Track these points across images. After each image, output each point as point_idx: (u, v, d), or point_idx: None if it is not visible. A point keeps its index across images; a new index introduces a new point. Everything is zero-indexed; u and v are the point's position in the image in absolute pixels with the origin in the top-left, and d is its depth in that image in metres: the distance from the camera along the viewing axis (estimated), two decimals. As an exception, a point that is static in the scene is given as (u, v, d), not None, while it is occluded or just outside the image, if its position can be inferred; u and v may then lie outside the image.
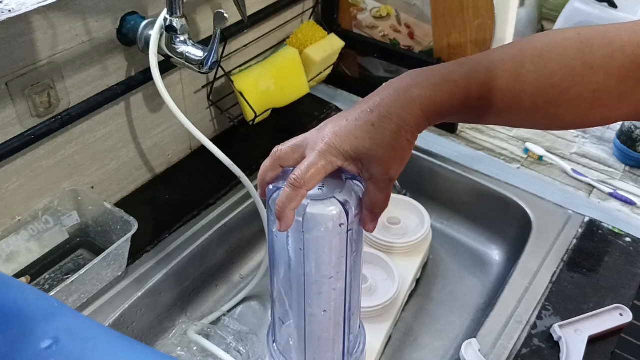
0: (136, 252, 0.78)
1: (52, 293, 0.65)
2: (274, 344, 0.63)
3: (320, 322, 0.57)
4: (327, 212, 0.50)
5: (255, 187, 0.78)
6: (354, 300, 0.58)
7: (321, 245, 0.51)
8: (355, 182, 0.52)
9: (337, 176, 0.52)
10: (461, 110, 0.48)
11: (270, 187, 0.52)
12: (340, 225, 0.51)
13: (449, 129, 1.04)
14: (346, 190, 0.51)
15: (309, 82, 1.04)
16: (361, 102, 0.50)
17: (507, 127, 1.05)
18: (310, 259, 0.52)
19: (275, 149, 0.52)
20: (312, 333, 0.58)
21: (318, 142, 0.49)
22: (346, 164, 0.49)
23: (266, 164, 0.52)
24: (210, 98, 0.94)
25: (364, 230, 0.54)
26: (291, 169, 0.51)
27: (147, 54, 0.72)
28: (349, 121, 0.48)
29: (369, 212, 0.51)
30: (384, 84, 0.50)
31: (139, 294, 0.74)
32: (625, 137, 0.99)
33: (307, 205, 0.50)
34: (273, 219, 0.51)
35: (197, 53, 0.71)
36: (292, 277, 0.55)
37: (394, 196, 0.89)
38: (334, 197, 0.50)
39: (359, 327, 0.64)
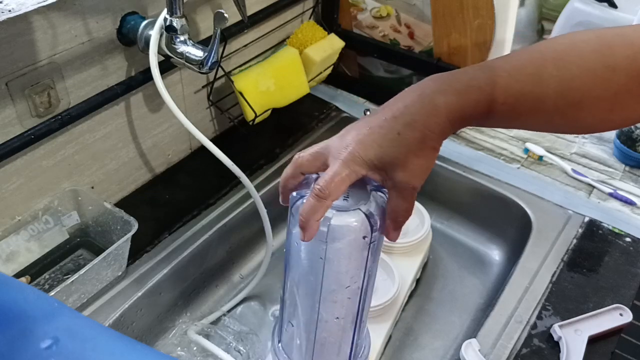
0: (136, 252, 0.78)
1: (52, 293, 0.65)
2: (279, 345, 0.63)
3: (332, 328, 0.57)
4: (352, 223, 0.49)
5: (255, 187, 0.78)
6: (366, 308, 0.58)
7: (342, 255, 0.51)
8: (379, 193, 0.51)
9: (362, 187, 0.51)
10: (485, 115, 0.47)
11: (294, 194, 0.52)
12: (363, 237, 0.50)
13: (449, 129, 1.04)
14: (371, 202, 0.50)
15: (309, 82, 1.04)
16: (383, 108, 0.49)
17: (507, 127, 1.05)
18: (330, 268, 0.52)
19: (296, 156, 0.51)
20: (321, 337, 0.58)
21: (341, 150, 0.48)
22: (370, 172, 0.48)
23: (287, 171, 0.51)
24: (210, 98, 0.94)
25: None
26: (313, 175, 0.51)
27: (147, 54, 0.72)
28: (372, 129, 0.47)
29: (392, 220, 0.50)
30: (405, 90, 0.49)
31: (139, 294, 0.74)
32: (625, 137, 0.99)
33: (332, 217, 0.49)
34: (294, 225, 0.50)
35: (197, 53, 0.71)
36: (308, 283, 0.54)
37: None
38: (359, 209, 0.50)
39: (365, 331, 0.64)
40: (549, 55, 0.46)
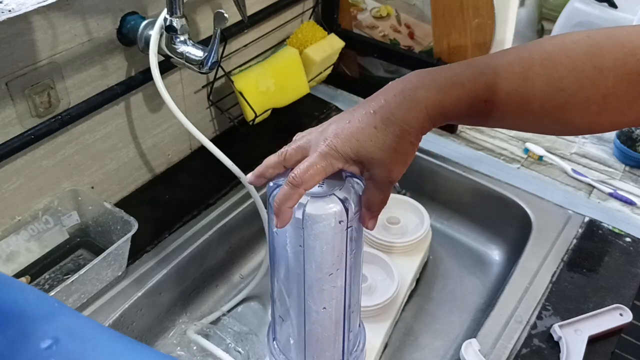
0: (136, 252, 0.78)
1: (52, 293, 0.65)
2: (274, 342, 0.63)
3: (320, 319, 0.57)
4: (327, 209, 0.50)
5: (255, 187, 0.78)
6: (353, 298, 0.58)
7: (321, 242, 0.52)
8: (355, 179, 0.52)
9: (337, 173, 0.52)
10: (467, 113, 0.47)
11: (271, 184, 0.53)
12: (339, 222, 0.51)
13: (449, 129, 1.04)
14: (346, 188, 0.51)
15: (309, 82, 1.04)
16: (365, 101, 0.49)
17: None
18: (310, 256, 0.52)
19: (282, 150, 0.52)
20: (312, 331, 0.58)
21: (320, 142, 0.49)
22: (347, 165, 0.49)
23: (271, 160, 0.52)
24: (210, 98, 0.94)
25: (364, 228, 0.54)
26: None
27: (147, 54, 0.72)
28: (351, 123, 0.48)
29: (367, 209, 0.51)
30: (389, 83, 0.49)
31: (139, 294, 0.74)
32: (625, 137, 0.99)
33: (307, 203, 0.50)
34: (272, 217, 0.51)
35: (197, 53, 0.71)
36: (292, 274, 0.55)
37: (393, 196, 0.90)
38: (334, 194, 0.51)
39: (359, 325, 0.64)
40: (537, 55, 0.45)
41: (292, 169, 0.52)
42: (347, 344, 0.60)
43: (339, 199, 0.50)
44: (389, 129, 0.47)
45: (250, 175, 0.54)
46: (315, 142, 0.50)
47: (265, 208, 0.77)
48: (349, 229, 0.52)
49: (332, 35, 1.07)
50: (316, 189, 0.51)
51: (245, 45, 0.97)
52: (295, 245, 0.53)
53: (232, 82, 0.91)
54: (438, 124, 0.48)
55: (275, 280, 0.58)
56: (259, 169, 0.53)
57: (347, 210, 0.50)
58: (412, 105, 0.46)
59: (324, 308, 0.56)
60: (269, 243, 0.56)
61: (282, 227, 0.50)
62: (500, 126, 0.50)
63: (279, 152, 0.52)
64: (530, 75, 0.45)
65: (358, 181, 0.52)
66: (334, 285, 0.55)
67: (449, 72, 0.47)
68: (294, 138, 0.54)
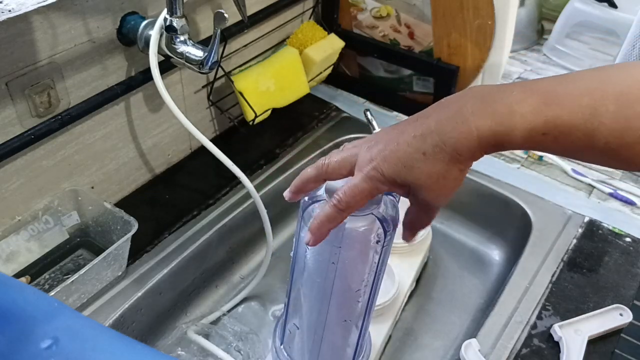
0: (136, 252, 0.78)
1: (52, 293, 0.65)
2: (281, 346, 0.63)
3: (338, 330, 0.57)
4: (366, 228, 0.49)
5: (255, 187, 0.78)
6: (372, 311, 0.58)
7: (356, 260, 0.51)
8: (389, 197, 0.51)
9: None
10: (522, 144, 0.44)
11: (306, 199, 0.51)
12: (377, 242, 0.50)
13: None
14: (383, 206, 0.50)
15: (309, 82, 1.04)
16: (417, 119, 0.47)
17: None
18: (342, 273, 0.52)
19: (322, 162, 0.49)
20: (327, 340, 0.58)
21: (366, 163, 0.46)
22: (393, 188, 0.47)
23: (309, 173, 0.50)
24: (210, 98, 0.94)
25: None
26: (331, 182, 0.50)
27: (147, 54, 0.72)
28: (399, 145, 0.45)
29: (410, 229, 0.50)
30: (445, 100, 0.47)
31: (139, 294, 0.74)
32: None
33: (347, 221, 0.49)
34: (304, 229, 0.50)
35: (197, 53, 0.71)
36: (317, 287, 0.54)
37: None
38: (372, 214, 0.50)
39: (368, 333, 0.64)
40: (612, 88, 0.41)
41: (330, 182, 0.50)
42: (358, 352, 0.61)
43: (378, 218, 0.49)
44: (438, 157, 0.44)
45: (287, 192, 0.52)
46: (361, 160, 0.47)
47: (266, 208, 0.78)
48: (383, 248, 0.51)
49: (332, 35, 1.07)
50: None
51: (245, 45, 0.97)
52: (326, 261, 0.52)
53: (232, 82, 0.91)
54: (490, 152, 0.46)
55: (295, 289, 0.57)
56: (296, 184, 0.51)
57: (385, 230, 0.50)
58: (463, 134, 0.44)
59: (345, 321, 0.56)
60: (294, 251, 0.55)
61: (314, 245, 0.48)
62: (558, 155, 0.47)
63: (317, 165, 0.50)
64: (600, 110, 0.41)
65: (392, 198, 0.51)
66: (359, 300, 0.55)
67: (510, 97, 0.44)
68: (343, 146, 0.51)
